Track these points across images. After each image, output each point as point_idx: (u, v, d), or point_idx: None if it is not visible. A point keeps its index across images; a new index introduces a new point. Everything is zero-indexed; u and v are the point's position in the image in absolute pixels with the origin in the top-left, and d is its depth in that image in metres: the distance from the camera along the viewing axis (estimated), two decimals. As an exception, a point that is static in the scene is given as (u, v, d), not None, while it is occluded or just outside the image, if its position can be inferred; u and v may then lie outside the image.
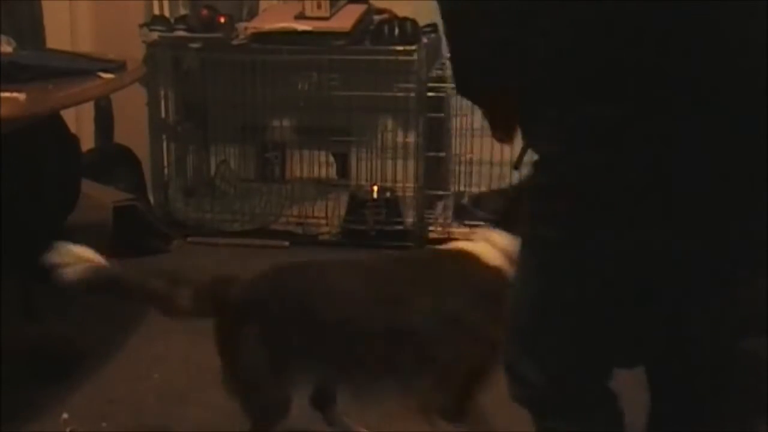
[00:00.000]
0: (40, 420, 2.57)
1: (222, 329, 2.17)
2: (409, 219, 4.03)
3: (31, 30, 3.72)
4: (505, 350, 1.67)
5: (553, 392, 1.61)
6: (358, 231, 3.99)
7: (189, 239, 4.04)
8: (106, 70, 2.78)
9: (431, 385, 2.09)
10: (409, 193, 4.08)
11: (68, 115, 3.36)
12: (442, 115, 4.05)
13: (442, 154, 4.06)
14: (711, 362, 1.51)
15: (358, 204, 4.05)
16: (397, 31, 3.89)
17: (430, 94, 3.93)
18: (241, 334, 2.14)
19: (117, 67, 2.86)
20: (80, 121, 4.06)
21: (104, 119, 4.13)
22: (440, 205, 4.14)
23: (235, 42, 3.94)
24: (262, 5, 4.26)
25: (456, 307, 2.04)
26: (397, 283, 2.13)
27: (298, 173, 4.28)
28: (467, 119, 4.01)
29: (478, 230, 2.17)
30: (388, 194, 4.08)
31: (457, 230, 3.80)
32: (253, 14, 4.19)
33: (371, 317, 2.09)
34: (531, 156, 1.54)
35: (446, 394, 2.08)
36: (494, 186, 3.73)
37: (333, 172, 4.31)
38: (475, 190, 3.83)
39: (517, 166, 1.80)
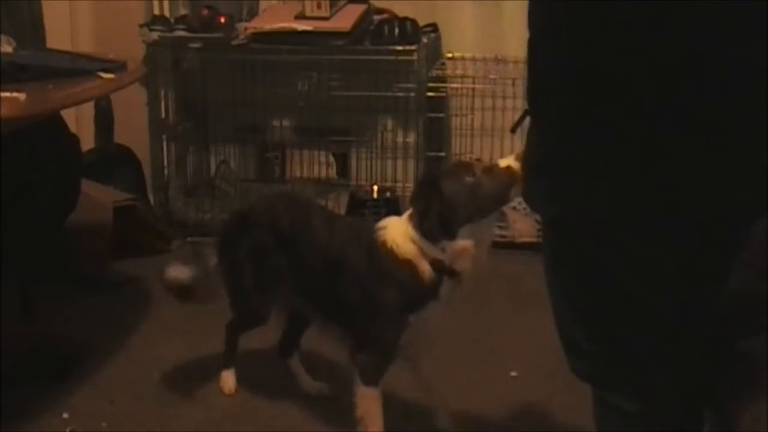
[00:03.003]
0: (40, 420, 2.57)
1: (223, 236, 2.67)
2: (409, 219, 4.02)
3: (31, 30, 3.72)
4: (560, 326, 1.64)
5: (616, 366, 1.57)
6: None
7: (189, 239, 4.03)
8: (106, 70, 2.77)
9: None
10: (409, 193, 4.07)
11: (68, 115, 3.35)
12: (442, 115, 4.05)
13: (442, 154, 4.05)
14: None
15: (358, 204, 4.04)
16: (397, 31, 3.89)
17: (430, 94, 3.93)
18: (236, 245, 2.58)
19: (117, 67, 2.85)
20: (80, 121, 4.06)
21: (104, 119, 4.12)
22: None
23: (235, 42, 3.93)
24: (262, 5, 4.25)
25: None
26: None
27: (298, 173, 4.28)
28: (467, 119, 4.01)
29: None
30: (388, 194, 4.08)
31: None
32: (253, 14, 4.18)
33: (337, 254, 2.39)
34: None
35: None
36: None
37: (333, 172, 4.31)
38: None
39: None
